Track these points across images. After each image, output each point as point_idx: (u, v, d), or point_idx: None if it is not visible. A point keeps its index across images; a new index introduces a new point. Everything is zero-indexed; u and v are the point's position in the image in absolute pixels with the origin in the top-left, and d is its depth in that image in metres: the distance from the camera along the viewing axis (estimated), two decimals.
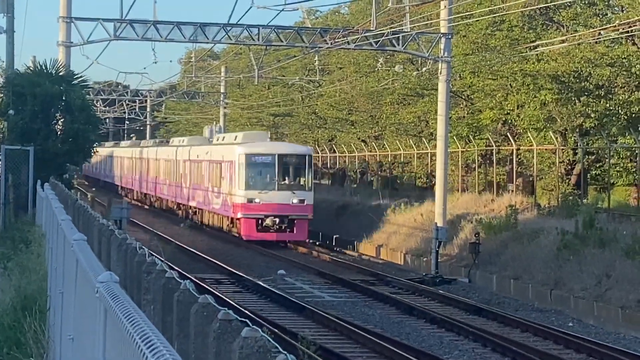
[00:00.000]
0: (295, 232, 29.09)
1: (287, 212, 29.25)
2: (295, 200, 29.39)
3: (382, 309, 19.16)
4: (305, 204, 29.40)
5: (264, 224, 29.23)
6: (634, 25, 25.72)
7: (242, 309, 16.20)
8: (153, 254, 11.22)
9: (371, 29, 26.80)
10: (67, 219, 9.09)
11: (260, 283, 22.18)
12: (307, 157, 30.52)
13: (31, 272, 13.90)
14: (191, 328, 5.56)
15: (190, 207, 36.52)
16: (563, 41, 26.58)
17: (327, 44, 27.41)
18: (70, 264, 6.52)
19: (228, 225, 30.94)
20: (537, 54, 27.48)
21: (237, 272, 23.32)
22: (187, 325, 5.70)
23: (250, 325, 4.45)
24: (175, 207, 39.51)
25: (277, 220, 29.12)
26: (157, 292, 7.34)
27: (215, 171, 32.20)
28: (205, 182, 33.95)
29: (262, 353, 4.11)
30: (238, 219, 29.97)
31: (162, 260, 9.34)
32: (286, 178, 30.26)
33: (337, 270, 24.19)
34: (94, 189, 52.08)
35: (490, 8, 27.45)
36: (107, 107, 52.48)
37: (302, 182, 30.17)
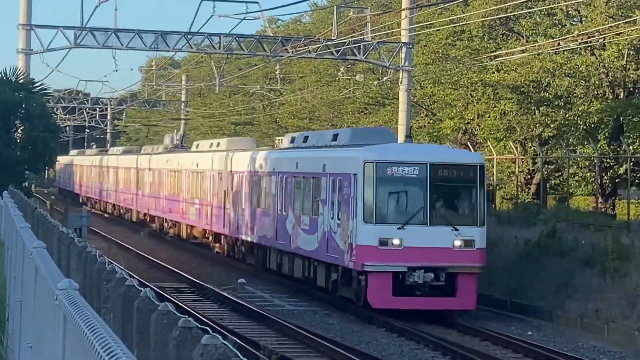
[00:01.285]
0: (457, 295, 18.56)
1: (445, 261, 18.83)
2: (458, 243, 18.98)
3: (342, 318, 19.22)
4: (474, 248, 18.97)
5: (406, 282, 18.75)
6: (592, 36, 26.85)
7: (202, 318, 16.21)
8: (112, 262, 11.19)
9: (332, 38, 27.29)
10: (26, 227, 8.93)
11: (221, 292, 21.91)
12: (477, 169, 19.50)
13: None
14: (151, 336, 5.50)
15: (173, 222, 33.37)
16: (523, 51, 27.35)
17: (289, 52, 27.78)
18: (30, 271, 6.46)
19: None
20: (497, 64, 28.27)
21: (197, 280, 23.19)
22: (147, 333, 5.65)
23: (211, 332, 4.38)
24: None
25: (428, 275, 18.52)
26: (116, 300, 7.31)
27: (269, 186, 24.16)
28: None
29: None
30: (361, 272, 18.88)
31: (121, 269, 9.29)
32: (443, 204, 19.81)
33: None
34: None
35: (450, 18, 28.17)
36: (68, 115, 52.21)
37: (468, 212, 19.63)
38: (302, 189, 22.21)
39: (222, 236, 28.22)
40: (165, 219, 34.56)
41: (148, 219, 36.64)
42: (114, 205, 42.93)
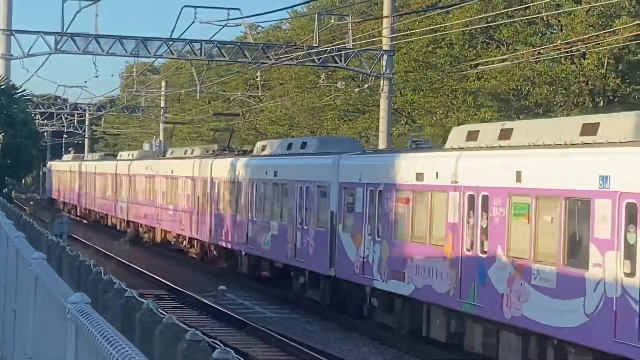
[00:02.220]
0: None
1: None
2: None
3: (323, 326, 19.81)
4: None
5: None
6: (574, 45, 28.08)
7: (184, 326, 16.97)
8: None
9: (314, 45, 28.18)
10: (20, 236, 8.93)
11: (201, 299, 22.55)
12: None
13: None
14: (155, 348, 5.58)
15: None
16: (503, 60, 28.42)
17: (270, 60, 28.51)
18: (27, 281, 6.47)
19: None
20: (477, 72, 29.40)
21: (177, 287, 24.12)
22: (150, 345, 5.70)
23: (221, 347, 4.43)
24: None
25: None
26: (116, 312, 7.31)
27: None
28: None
29: None
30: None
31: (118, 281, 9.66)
32: None
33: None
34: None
35: (431, 27, 29.38)
36: (46, 121, 53.28)
37: None
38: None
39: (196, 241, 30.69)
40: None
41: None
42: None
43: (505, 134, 15.23)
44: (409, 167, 17.20)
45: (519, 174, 13.90)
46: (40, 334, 5.70)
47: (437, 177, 15.98)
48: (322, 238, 20.20)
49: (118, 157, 41.23)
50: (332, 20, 29.13)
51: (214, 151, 32.91)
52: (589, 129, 13.06)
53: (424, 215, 16.33)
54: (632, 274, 10.85)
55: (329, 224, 19.84)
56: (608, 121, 12.99)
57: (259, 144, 28.41)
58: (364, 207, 18.59)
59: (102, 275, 9.01)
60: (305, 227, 21.30)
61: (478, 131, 16.12)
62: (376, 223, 18.06)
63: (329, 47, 28.05)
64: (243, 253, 25.84)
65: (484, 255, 14.46)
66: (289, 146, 25.07)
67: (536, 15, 28.55)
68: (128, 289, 7.48)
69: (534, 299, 13.05)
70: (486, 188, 14.58)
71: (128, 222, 39.05)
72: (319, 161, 21.29)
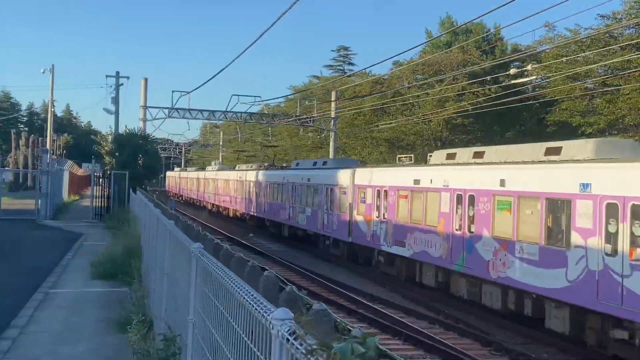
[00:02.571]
0: None
1: None
2: None
3: (308, 256, 32.08)
4: None
5: None
6: (425, 116, 49.95)
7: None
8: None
9: (297, 114, 51.62)
10: (158, 211, 12.00)
11: (240, 240, 35.78)
12: None
13: (131, 237, 19.52)
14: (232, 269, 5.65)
15: None
16: (391, 123, 51.27)
17: (275, 121, 53.13)
18: (165, 234, 8.90)
19: None
20: (377, 129, 51.74)
21: (234, 237, 38.11)
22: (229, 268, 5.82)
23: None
24: None
25: None
26: (210, 250, 9.08)
27: None
28: None
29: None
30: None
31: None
32: None
33: None
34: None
35: (356, 107, 52.79)
36: (163, 152, 79.22)
37: None
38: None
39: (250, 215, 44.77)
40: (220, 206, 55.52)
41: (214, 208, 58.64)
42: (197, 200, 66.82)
43: (479, 154, 20.40)
44: (408, 175, 23.32)
45: (502, 181, 17.95)
46: (172, 263, 7.78)
47: (431, 182, 21.63)
48: (343, 219, 28.98)
49: (206, 170, 62.50)
50: (306, 102, 53.49)
51: (265, 167, 46.71)
52: (553, 151, 17.15)
53: (419, 206, 22.22)
54: (612, 254, 13.84)
55: (348, 210, 28.31)
56: (569, 145, 17.17)
57: (294, 162, 42.38)
58: (372, 200, 25.92)
59: (200, 230, 13.07)
60: (330, 212, 30.46)
61: (455, 153, 22.16)
62: (382, 210, 25.21)
63: (305, 116, 50.60)
64: (286, 225, 37.24)
65: (471, 234, 19.17)
66: (314, 163, 36.66)
67: (406, 103, 49.57)
68: (215, 238, 10.64)
69: (518, 266, 16.81)
70: (473, 190, 19.25)
71: (213, 204, 56.89)
72: (339, 172, 30.26)
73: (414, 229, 22.83)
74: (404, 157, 30.48)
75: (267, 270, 6.15)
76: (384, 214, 25.25)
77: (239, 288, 3.54)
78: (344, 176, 29.58)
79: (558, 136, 44.98)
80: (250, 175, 45.73)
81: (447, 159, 22.84)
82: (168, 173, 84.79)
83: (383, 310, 20.00)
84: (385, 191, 25.27)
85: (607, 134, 41.02)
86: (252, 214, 44.40)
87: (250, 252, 30.93)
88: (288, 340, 2.48)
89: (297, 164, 38.99)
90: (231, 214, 51.13)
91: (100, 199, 42.24)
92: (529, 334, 17.63)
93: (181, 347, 6.46)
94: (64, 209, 48.40)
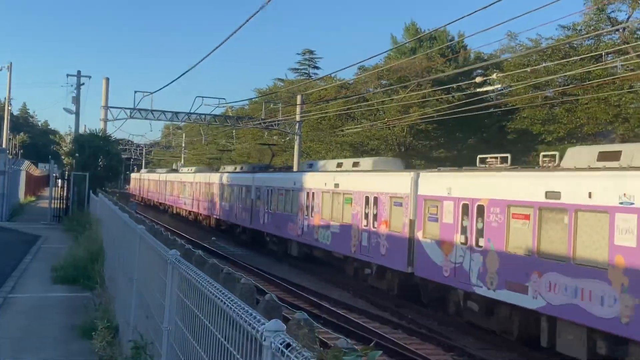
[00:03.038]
0: None
1: None
2: None
3: (266, 259, 32.87)
4: None
5: None
6: (390, 121, 51.31)
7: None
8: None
9: (262, 117, 51.78)
10: (126, 216, 11.74)
11: (202, 243, 35.63)
12: None
13: (93, 240, 19.68)
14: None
15: None
16: (356, 128, 52.44)
17: (240, 124, 52.98)
18: (134, 239, 8.79)
19: None
20: (342, 133, 52.59)
21: (197, 241, 42.63)
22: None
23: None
24: None
25: None
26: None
27: None
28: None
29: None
30: None
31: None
32: None
33: None
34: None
35: (321, 111, 53.32)
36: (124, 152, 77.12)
37: None
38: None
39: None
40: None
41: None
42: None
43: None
44: (531, 184, 15.95)
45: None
46: (142, 268, 7.66)
47: (589, 196, 14.02)
48: (396, 241, 22.03)
49: (180, 171, 59.15)
50: (271, 105, 53.53)
51: (263, 168, 41.35)
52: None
53: (559, 234, 14.98)
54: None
55: (408, 228, 21.07)
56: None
57: (305, 163, 36.46)
58: (455, 218, 18.91)
59: (169, 235, 11.08)
60: (374, 230, 23.68)
61: (620, 151, 14.77)
62: (474, 234, 18.01)
63: (270, 119, 50.81)
64: (297, 242, 31.07)
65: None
66: (338, 164, 28.81)
67: (371, 107, 50.33)
68: (185, 244, 9.10)
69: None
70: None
71: (191, 211, 52.64)
72: (390, 176, 23.36)
73: (545, 265, 15.25)
74: (548, 155, 17.71)
75: (243, 277, 6.15)
76: (477, 240, 17.97)
77: (222, 296, 3.52)
78: (399, 182, 22.20)
79: (519, 144, 45.88)
80: (245, 179, 38.54)
81: (600, 159, 15.13)
82: (132, 175, 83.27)
83: (346, 315, 20.05)
84: (482, 206, 17.83)
85: (566, 142, 41.91)
86: (250, 227, 37.78)
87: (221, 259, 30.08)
88: (283, 353, 2.47)
89: (311, 165, 32.12)
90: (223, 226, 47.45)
91: (59, 201, 41.52)
92: (490, 340, 17.85)
93: (153, 356, 6.38)
94: (21, 210, 47.57)
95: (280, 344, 2.59)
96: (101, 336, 9.87)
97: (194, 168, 55.81)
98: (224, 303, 3.48)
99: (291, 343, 2.50)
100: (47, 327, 12.26)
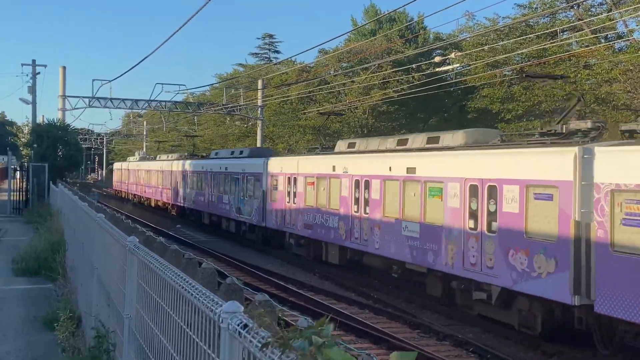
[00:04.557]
0: None
1: None
2: None
3: (231, 243, 33.68)
4: None
5: None
6: (352, 103, 51.61)
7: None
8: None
9: (224, 103, 51.86)
10: (85, 205, 12.05)
11: (167, 231, 35.24)
12: None
13: (54, 231, 19.64)
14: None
15: None
16: (318, 110, 52.19)
17: (202, 110, 52.63)
18: (94, 228, 8.88)
19: None
20: (304, 116, 52.92)
21: (157, 226, 40.00)
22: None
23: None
24: None
25: None
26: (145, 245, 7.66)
27: None
28: None
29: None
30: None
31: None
32: None
33: None
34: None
35: (282, 94, 53.17)
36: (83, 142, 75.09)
37: None
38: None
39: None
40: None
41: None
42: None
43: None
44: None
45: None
46: (102, 257, 7.72)
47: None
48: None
49: (157, 159, 54.86)
50: (232, 91, 53.28)
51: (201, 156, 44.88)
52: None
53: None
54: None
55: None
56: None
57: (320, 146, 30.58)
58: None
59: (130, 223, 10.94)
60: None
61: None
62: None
63: (232, 104, 51.52)
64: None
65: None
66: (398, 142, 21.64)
67: (333, 90, 50.42)
68: (147, 232, 9.35)
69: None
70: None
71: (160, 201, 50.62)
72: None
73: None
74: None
75: (204, 262, 6.14)
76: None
77: (181, 281, 3.51)
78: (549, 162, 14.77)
79: (479, 122, 46.41)
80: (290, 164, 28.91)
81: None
82: (116, 165, 67.94)
83: (314, 298, 20.15)
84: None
85: (525, 119, 42.53)
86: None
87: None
88: (240, 334, 2.48)
89: (324, 148, 28.04)
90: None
91: (18, 193, 41.32)
92: (454, 315, 18.13)
93: (115, 343, 6.34)
94: None
95: (237, 325, 2.59)
96: (64, 327, 9.77)
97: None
98: (182, 287, 3.46)
99: (248, 324, 2.50)
100: (8, 319, 12.10)
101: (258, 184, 30.63)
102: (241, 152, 35.96)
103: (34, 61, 44.69)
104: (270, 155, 31.60)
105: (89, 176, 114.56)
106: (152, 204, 52.46)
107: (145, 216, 47.32)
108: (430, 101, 48.15)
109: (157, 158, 50.47)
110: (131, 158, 56.49)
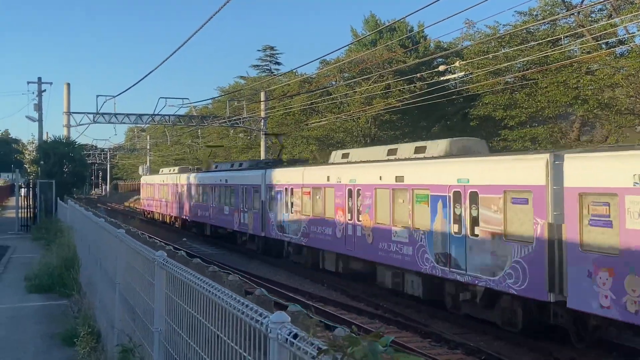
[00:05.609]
0: None
1: None
2: None
3: (239, 256, 32.42)
4: None
5: None
6: (354, 113, 51.53)
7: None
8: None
9: (226, 115, 52.17)
10: (103, 221, 11.96)
11: (172, 245, 37.02)
12: None
13: (66, 247, 19.61)
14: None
15: None
16: (320, 121, 52.29)
17: (205, 123, 52.81)
18: (113, 244, 8.78)
19: None
20: (307, 127, 53.17)
21: (161, 240, 45.91)
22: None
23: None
24: None
25: None
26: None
27: None
28: None
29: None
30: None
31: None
32: None
33: None
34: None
35: (285, 107, 53.36)
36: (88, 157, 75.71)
37: None
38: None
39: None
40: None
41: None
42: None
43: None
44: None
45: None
46: (126, 272, 7.67)
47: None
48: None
49: (160, 173, 53.64)
50: (235, 103, 53.53)
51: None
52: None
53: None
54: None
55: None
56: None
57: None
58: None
59: (147, 238, 11.65)
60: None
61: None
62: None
63: (234, 117, 51.68)
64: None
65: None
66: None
67: (334, 101, 50.94)
68: (168, 244, 10.50)
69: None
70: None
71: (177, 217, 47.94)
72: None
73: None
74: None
75: (230, 274, 6.28)
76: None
77: (222, 294, 3.66)
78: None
79: (482, 130, 46.58)
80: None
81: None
82: (144, 179, 58.17)
83: (324, 309, 20.24)
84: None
85: (528, 126, 42.69)
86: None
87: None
88: (292, 343, 2.63)
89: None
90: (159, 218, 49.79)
91: (25, 210, 41.48)
92: (465, 323, 18.21)
93: (143, 357, 6.48)
94: None
95: (288, 335, 2.74)
96: (84, 342, 9.90)
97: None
98: (224, 301, 3.61)
99: (299, 333, 2.65)
100: (27, 336, 12.21)
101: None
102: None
103: (39, 79, 44.96)
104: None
105: (93, 192, 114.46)
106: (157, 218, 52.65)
107: (150, 230, 47.46)
108: (433, 109, 48.29)
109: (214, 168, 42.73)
110: (165, 170, 52.71)
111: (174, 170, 51.32)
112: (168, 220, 50.23)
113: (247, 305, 3.28)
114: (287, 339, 2.71)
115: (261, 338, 3.17)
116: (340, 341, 2.18)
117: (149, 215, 55.80)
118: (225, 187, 35.70)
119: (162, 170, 53.65)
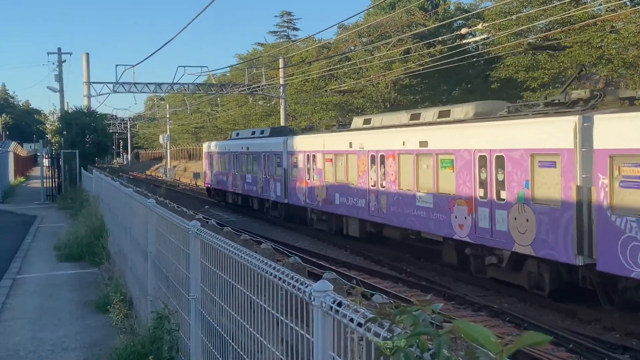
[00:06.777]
0: None
1: None
2: None
3: (260, 223, 34.00)
4: None
5: None
6: (374, 77, 51.96)
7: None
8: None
9: (246, 83, 52.05)
10: (131, 190, 11.84)
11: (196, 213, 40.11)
12: None
13: (93, 216, 20.03)
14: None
15: None
16: (340, 87, 52.26)
17: (224, 91, 52.80)
18: (143, 213, 8.98)
19: None
20: (326, 93, 53.04)
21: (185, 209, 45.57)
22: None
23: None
24: None
25: None
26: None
27: None
28: None
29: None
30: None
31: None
32: None
33: None
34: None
35: (303, 72, 53.07)
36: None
37: None
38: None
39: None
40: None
41: None
42: None
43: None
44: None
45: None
46: (157, 241, 7.90)
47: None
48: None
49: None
50: (254, 70, 53.42)
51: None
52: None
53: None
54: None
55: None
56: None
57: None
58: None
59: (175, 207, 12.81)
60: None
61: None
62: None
63: (253, 84, 51.35)
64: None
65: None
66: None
67: (353, 66, 50.83)
68: (197, 213, 11.61)
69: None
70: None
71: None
72: None
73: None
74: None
75: (263, 242, 6.43)
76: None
77: (262, 264, 3.76)
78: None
79: (503, 92, 46.14)
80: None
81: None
82: (208, 146, 46.61)
83: (347, 273, 20.46)
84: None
85: (550, 87, 42.17)
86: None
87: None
88: (337, 311, 2.72)
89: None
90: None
91: (50, 180, 42.06)
92: (489, 286, 18.31)
93: (179, 323, 6.66)
94: (12, 191, 47.65)
95: (332, 303, 2.83)
96: (117, 309, 10.15)
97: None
98: (262, 269, 3.71)
99: (343, 301, 2.74)
100: (62, 304, 12.53)
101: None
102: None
103: (59, 49, 45.11)
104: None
105: (115, 161, 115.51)
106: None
107: (170, 196, 47.91)
108: (453, 73, 47.90)
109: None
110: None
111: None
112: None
113: (287, 274, 3.37)
114: (331, 307, 2.80)
115: (300, 305, 3.27)
116: (387, 309, 2.26)
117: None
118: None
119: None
